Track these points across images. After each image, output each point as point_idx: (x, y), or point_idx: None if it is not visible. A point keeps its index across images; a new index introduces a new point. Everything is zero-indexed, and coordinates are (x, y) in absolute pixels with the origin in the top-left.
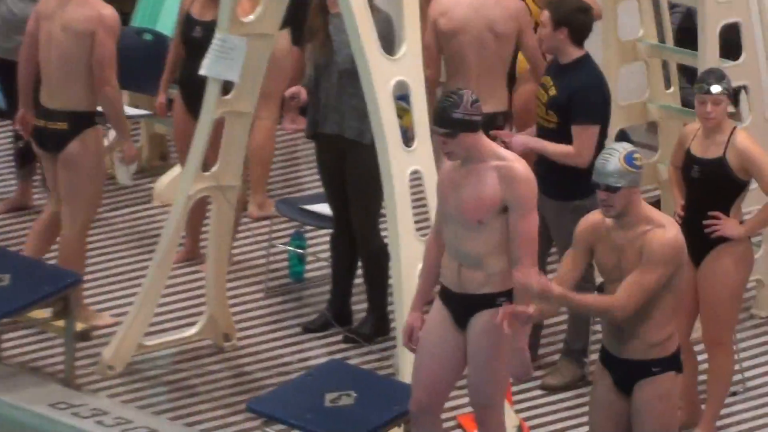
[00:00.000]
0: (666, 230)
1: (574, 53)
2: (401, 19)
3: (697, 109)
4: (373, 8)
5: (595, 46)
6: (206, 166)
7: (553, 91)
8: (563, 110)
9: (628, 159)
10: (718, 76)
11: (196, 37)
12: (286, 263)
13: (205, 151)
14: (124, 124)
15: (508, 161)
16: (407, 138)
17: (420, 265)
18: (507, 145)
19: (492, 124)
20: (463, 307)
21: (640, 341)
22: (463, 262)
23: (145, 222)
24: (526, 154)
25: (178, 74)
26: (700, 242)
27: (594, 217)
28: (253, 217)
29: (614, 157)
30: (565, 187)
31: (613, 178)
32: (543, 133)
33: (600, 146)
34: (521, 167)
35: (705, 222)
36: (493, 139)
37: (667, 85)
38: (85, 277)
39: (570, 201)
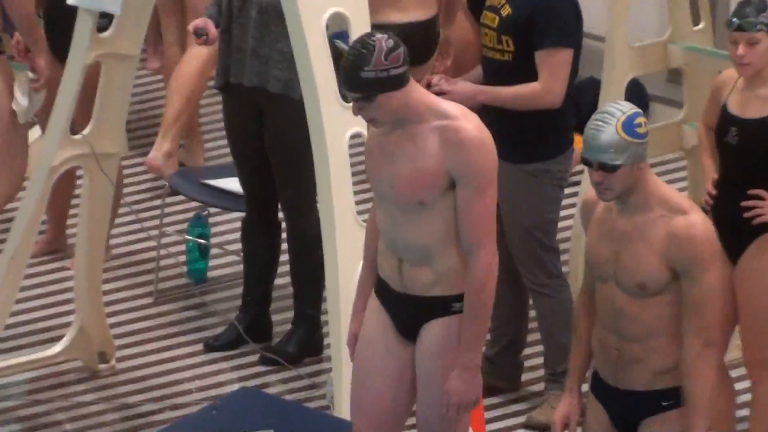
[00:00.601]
0: (689, 218)
1: None
2: None
3: (730, 51)
4: None
5: None
6: (76, 127)
7: (507, 10)
8: (523, 33)
9: (628, 126)
10: (758, 7)
11: None
12: (183, 258)
13: (74, 106)
14: (36, 30)
15: (453, 119)
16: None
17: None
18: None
19: (430, 31)
20: (408, 312)
21: (643, 367)
22: (405, 257)
23: None
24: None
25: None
26: (737, 230)
27: (592, 193)
28: (154, 167)
29: (609, 124)
30: (521, 144)
31: (608, 153)
32: (493, 71)
33: (572, 81)
34: (472, 127)
35: (744, 203)
36: (427, 88)
37: (696, 20)
38: None
39: (527, 163)
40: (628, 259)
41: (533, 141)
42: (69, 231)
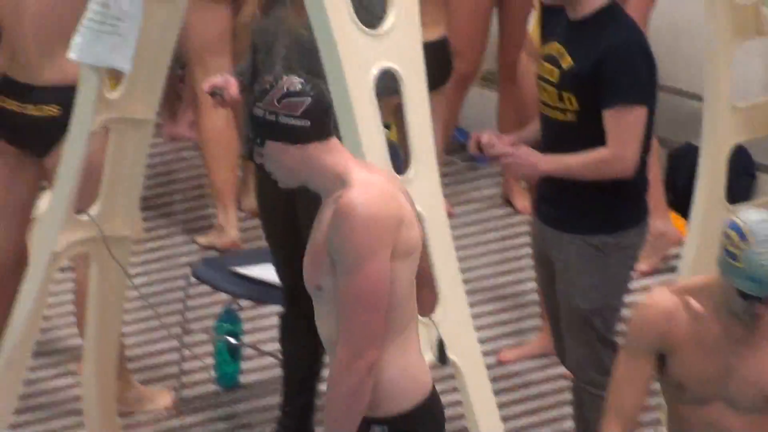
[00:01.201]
0: None
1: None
2: None
3: None
4: None
5: (693, 10)
6: (81, 205)
7: (567, 62)
8: (587, 89)
9: None
10: None
11: None
12: (210, 360)
13: (78, 181)
14: None
15: (348, 188)
16: (399, 160)
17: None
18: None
19: (443, 52)
20: None
21: None
22: (329, 353)
23: None
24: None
25: None
26: None
27: (666, 301)
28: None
29: None
30: (587, 212)
31: None
32: (554, 133)
33: (646, 144)
34: (357, 195)
35: None
36: (480, 152)
37: None
38: None
39: (592, 234)
40: (752, 370)
41: (601, 209)
42: (70, 330)
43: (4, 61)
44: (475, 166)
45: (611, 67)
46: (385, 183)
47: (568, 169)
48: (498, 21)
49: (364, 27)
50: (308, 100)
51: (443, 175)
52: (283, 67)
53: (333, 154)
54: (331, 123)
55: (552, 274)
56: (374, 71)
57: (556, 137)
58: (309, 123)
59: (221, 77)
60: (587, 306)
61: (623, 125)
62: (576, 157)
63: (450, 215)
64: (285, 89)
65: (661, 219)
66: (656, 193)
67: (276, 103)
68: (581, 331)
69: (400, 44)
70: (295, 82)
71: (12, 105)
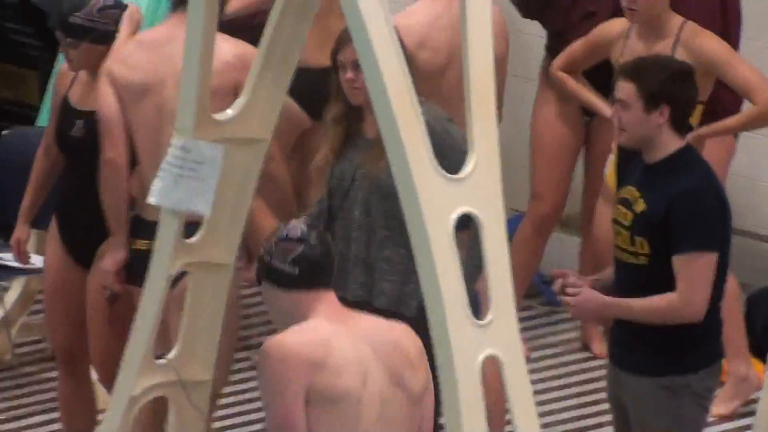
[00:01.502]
0: None
1: (672, 144)
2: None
3: None
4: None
5: None
6: (158, 349)
7: (641, 206)
8: (659, 234)
9: None
10: None
11: (76, 136)
12: None
13: (157, 325)
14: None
15: None
16: (477, 305)
17: None
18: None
19: None
20: None
21: None
22: None
23: None
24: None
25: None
26: None
27: None
28: None
29: None
30: (657, 353)
31: None
32: (627, 277)
33: (719, 288)
34: (276, 339)
35: None
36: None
37: None
38: None
39: (663, 376)
40: None
41: (670, 351)
42: None
43: (138, 199)
44: (554, 310)
45: (682, 212)
46: (327, 329)
47: (633, 313)
48: (584, 165)
49: (443, 171)
50: (302, 248)
51: (522, 319)
52: (361, 212)
53: (317, 305)
54: (326, 275)
55: (626, 416)
56: (454, 216)
57: (629, 281)
58: (297, 270)
59: (294, 223)
60: None
61: (693, 271)
62: (643, 302)
63: (527, 359)
64: (284, 233)
65: (743, 363)
66: (738, 337)
67: (273, 246)
68: None
69: (480, 189)
70: (297, 228)
71: (144, 245)
